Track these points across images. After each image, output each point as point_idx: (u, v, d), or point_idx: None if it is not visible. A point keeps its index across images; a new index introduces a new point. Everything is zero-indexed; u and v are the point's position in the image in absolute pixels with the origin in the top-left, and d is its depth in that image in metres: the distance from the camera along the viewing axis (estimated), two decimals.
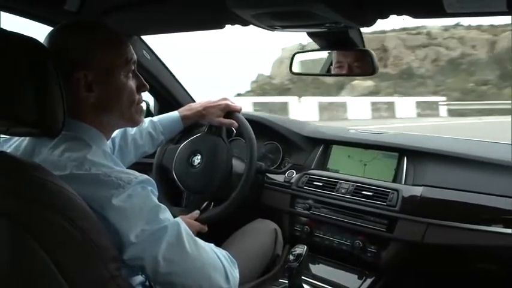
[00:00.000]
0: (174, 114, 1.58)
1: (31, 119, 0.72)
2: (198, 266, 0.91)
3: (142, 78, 1.05)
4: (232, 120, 1.59)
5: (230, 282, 0.96)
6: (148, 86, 1.07)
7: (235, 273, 1.01)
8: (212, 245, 1.02)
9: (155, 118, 1.55)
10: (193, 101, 2.20)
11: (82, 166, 0.84)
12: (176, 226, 0.89)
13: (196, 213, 1.50)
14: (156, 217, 0.86)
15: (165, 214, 0.89)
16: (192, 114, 1.58)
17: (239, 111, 1.62)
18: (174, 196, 1.64)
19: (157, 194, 0.92)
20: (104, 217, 0.80)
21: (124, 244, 0.82)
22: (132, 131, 1.44)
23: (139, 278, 0.98)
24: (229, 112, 1.60)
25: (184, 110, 1.60)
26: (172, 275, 0.88)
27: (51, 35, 0.94)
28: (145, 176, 0.90)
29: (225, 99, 1.62)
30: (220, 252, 1.02)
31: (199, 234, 1.39)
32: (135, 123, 1.07)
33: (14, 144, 0.97)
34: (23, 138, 0.96)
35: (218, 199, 1.57)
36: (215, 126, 1.63)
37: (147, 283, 1.02)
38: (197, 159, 1.61)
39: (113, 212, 0.81)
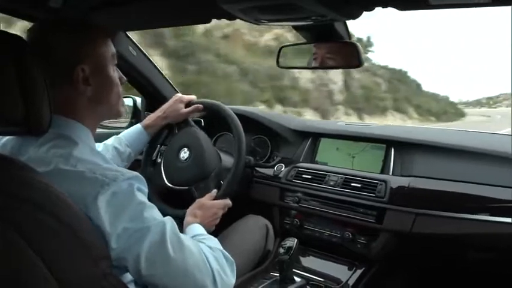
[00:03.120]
0: (137, 126, 1.61)
1: (16, 118, 0.71)
2: (181, 269, 0.88)
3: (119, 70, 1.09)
4: (196, 105, 1.65)
5: (218, 286, 0.94)
6: (125, 78, 1.11)
7: (226, 276, 0.97)
8: (205, 245, 1.00)
9: (120, 134, 1.57)
10: None
11: (68, 162, 0.83)
12: (161, 227, 0.87)
13: (214, 191, 1.48)
14: (140, 215, 0.84)
15: (151, 212, 0.87)
16: (153, 121, 1.62)
17: (194, 99, 1.69)
18: (180, 201, 1.61)
19: (146, 191, 0.90)
20: (89, 216, 0.79)
21: (107, 244, 0.80)
22: (98, 148, 1.43)
23: (129, 277, 0.97)
24: (189, 103, 1.67)
25: (146, 120, 1.63)
26: (155, 276, 0.86)
27: (41, 33, 0.94)
28: (134, 173, 0.88)
29: (175, 95, 1.68)
30: (212, 253, 0.99)
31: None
32: (120, 115, 1.11)
33: (0, 143, 0.96)
34: (9, 137, 0.95)
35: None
36: (182, 121, 1.67)
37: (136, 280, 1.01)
38: (184, 155, 1.61)
39: (96, 211, 0.79)
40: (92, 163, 0.85)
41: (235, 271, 1.03)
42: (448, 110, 34.65)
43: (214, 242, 1.11)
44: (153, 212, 0.88)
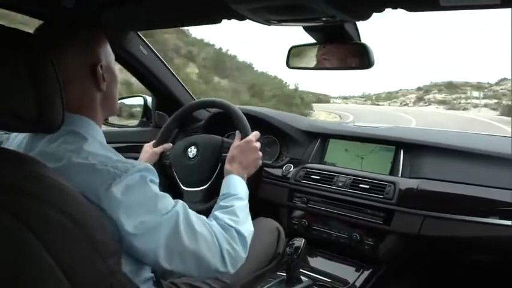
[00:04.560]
0: None
1: (30, 116, 0.71)
2: (195, 255, 0.92)
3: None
4: (165, 144, 1.70)
5: (227, 264, 0.97)
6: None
7: (235, 252, 1.00)
8: (217, 226, 1.02)
9: None
10: (190, 95, 2.21)
11: (79, 155, 0.84)
12: (175, 217, 0.89)
13: (238, 133, 1.50)
14: (155, 207, 0.86)
15: (164, 203, 0.89)
16: None
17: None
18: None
19: (158, 181, 0.92)
20: (101, 208, 0.80)
21: (122, 236, 0.82)
22: None
23: (147, 274, 0.98)
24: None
25: None
26: (172, 265, 0.89)
27: (56, 33, 0.96)
28: (145, 164, 0.90)
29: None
30: (223, 233, 1.01)
31: None
32: (116, 113, 1.15)
33: (17, 140, 0.99)
34: (24, 134, 0.97)
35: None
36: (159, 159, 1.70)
37: (155, 278, 1.02)
38: (192, 153, 1.63)
39: (109, 202, 0.81)
40: (103, 156, 0.86)
41: (247, 244, 1.06)
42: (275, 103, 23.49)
43: (238, 207, 1.14)
44: (166, 202, 0.90)
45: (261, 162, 1.43)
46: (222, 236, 0.99)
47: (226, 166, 1.34)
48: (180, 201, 0.95)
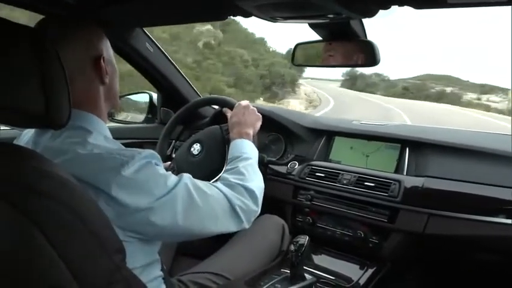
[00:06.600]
0: None
1: (37, 112, 0.72)
2: (211, 214, 0.98)
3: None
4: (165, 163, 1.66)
5: (242, 220, 1.06)
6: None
7: (246, 206, 1.07)
8: (224, 187, 1.07)
9: None
10: (196, 93, 2.22)
11: (84, 148, 0.86)
12: (184, 187, 0.94)
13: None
14: (165, 184, 0.90)
15: (172, 180, 0.92)
16: None
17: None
18: None
19: (162, 166, 0.95)
20: (111, 196, 0.81)
21: (138, 218, 0.85)
22: None
23: (156, 272, 1.00)
24: None
25: None
26: (191, 222, 0.94)
27: (60, 29, 0.96)
28: (149, 151, 0.92)
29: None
30: (231, 192, 1.06)
31: None
32: (118, 104, 1.18)
33: (26, 138, 1.01)
34: (31, 133, 0.98)
35: None
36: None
37: (164, 276, 1.04)
38: (196, 149, 1.61)
39: (120, 186, 0.82)
40: (108, 148, 0.88)
41: (257, 198, 1.13)
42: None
43: (242, 166, 1.19)
44: (173, 178, 0.94)
45: (260, 116, 1.46)
46: (230, 193, 1.05)
47: (230, 135, 1.39)
48: (184, 174, 0.99)
